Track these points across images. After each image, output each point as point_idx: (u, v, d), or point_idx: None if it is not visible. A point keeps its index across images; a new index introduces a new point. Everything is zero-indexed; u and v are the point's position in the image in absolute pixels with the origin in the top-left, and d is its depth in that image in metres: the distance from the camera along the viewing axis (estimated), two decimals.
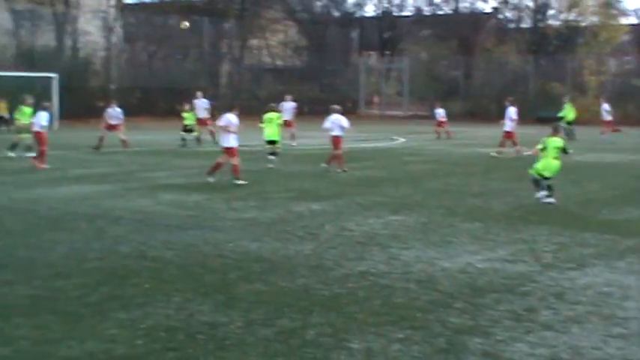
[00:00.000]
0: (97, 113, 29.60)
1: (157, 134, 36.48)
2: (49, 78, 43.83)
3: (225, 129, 18.65)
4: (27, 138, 24.91)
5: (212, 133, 32.05)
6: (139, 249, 10.98)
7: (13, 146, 25.44)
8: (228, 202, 15.62)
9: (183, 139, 30.36)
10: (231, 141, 18.67)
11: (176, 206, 15.02)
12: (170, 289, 8.81)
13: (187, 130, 30.74)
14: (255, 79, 64.95)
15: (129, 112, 33.18)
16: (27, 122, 25.31)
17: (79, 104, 45.24)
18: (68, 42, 55.86)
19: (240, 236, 12.03)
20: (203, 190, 17.21)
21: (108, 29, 57.73)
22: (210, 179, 18.47)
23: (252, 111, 54.95)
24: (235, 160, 18.51)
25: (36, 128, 22.62)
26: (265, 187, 17.96)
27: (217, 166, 18.84)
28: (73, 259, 10.33)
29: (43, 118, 22.66)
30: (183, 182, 18.94)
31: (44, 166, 21.70)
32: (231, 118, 18.72)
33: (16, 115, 25.80)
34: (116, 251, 10.85)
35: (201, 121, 31.99)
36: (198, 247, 11.15)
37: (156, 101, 53.08)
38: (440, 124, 37.89)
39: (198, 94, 33.24)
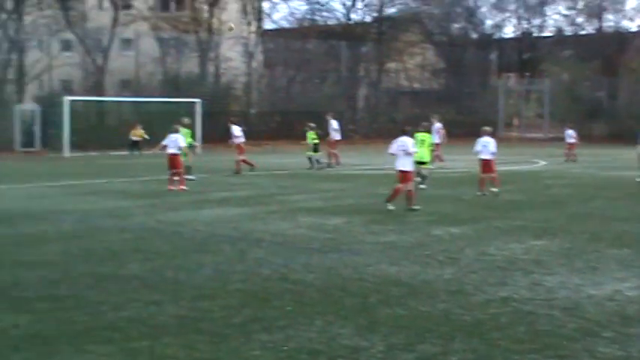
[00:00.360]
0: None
1: (296, 157, 36.95)
2: (193, 103, 45.30)
3: (406, 152, 17.91)
4: (186, 160, 25.71)
5: (335, 156, 32.31)
6: (280, 271, 11.13)
7: (188, 169, 25.84)
8: (367, 225, 15.66)
9: (318, 161, 30.65)
10: (407, 164, 18.03)
11: (315, 229, 15.16)
12: (311, 312, 8.88)
13: (315, 149, 30.92)
14: (392, 103, 65.12)
15: (255, 135, 33.70)
16: (186, 144, 26.12)
17: (221, 128, 46.44)
18: (211, 68, 57.60)
19: (379, 260, 12.03)
20: (342, 214, 17.32)
21: (248, 55, 59.20)
22: (390, 207, 17.72)
23: (389, 134, 55.09)
24: (410, 186, 18.00)
25: (173, 151, 23.20)
26: (403, 210, 17.89)
27: (396, 193, 18.00)
28: (217, 280, 10.57)
29: (181, 141, 23.28)
30: (322, 205, 19.11)
31: (183, 187, 22.32)
32: (409, 141, 18.15)
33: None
34: (258, 273, 11.03)
35: (330, 143, 32.43)
36: (338, 271, 11.21)
37: (294, 125, 53.95)
38: (570, 146, 36.95)
39: (328, 115, 33.63)
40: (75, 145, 42.11)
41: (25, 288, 10.01)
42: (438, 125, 31.41)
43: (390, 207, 17.74)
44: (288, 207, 18.77)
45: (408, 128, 18.97)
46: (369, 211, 17.89)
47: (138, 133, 41.36)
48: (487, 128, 22.09)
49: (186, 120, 27.19)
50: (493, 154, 21.28)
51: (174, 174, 22.89)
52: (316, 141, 30.87)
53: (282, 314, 8.83)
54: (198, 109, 44.90)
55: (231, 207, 18.79)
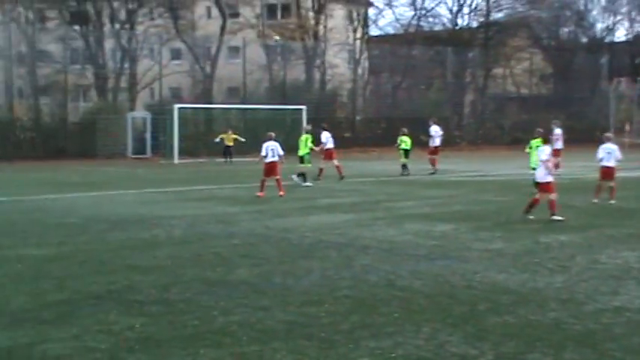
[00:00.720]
0: (343, 145, 30.40)
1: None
2: (299, 110, 45.70)
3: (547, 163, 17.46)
4: (307, 166, 26.24)
5: (433, 162, 32.08)
6: (387, 278, 11.13)
7: (303, 176, 26.53)
8: (475, 232, 15.51)
9: (404, 166, 30.54)
10: (547, 176, 17.52)
11: (422, 236, 15.09)
12: (419, 319, 8.85)
13: (405, 155, 30.73)
14: (498, 109, 64.22)
15: (361, 141, 33.76)
16: (304, 152, 26.81)
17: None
18: (316, 75, 57.98)
19: (487, 267, 11.90)
20: (449, 220, 17.19)
21: (354, 62, 59.37)
22: (530, 217, 17.35)
23: (495, 140, 54.42)
24: (553, 196, 17.36)
25: (273, 160, 23.19)
26: (511, 217, 17.66)
27: (535, 203, 17.57)
28: (325, 286, 10.63)
29: (280, 149, 23.40)
30: (429, 212, 19.01)
31: (261, 194, 22.48)
32: (544, 150, 17.71)
33: (301, 151, 27.19)
34: (365, 280, 11.06)
35: (431, 150, 32.39)
36: (445, 278, 11.14)
37: (399, 132, 53.84)
38: None
39: (431, 121, 33.53)
40: (184, 152, 43.06)
41: (139, 292, 10.30)
42: (558, 131, 30.87)
43: (530, 216, 17.29)
44: (394, 213, 18.75)
45: (549, 140, 18.64)
46: (476, 217, 17.72)
47: (229, 138, 41.91)
48: (609, 135, 21.55)
49: (308, 127, 27.80)
50: (619, 161, 20.72)
51: (268, 181, 22.98)
52: (407, 147, 30.68)
53: (390, 321, 8.82)
54: (304, 116, 45.27)
55: (338, 213, 18.87)
